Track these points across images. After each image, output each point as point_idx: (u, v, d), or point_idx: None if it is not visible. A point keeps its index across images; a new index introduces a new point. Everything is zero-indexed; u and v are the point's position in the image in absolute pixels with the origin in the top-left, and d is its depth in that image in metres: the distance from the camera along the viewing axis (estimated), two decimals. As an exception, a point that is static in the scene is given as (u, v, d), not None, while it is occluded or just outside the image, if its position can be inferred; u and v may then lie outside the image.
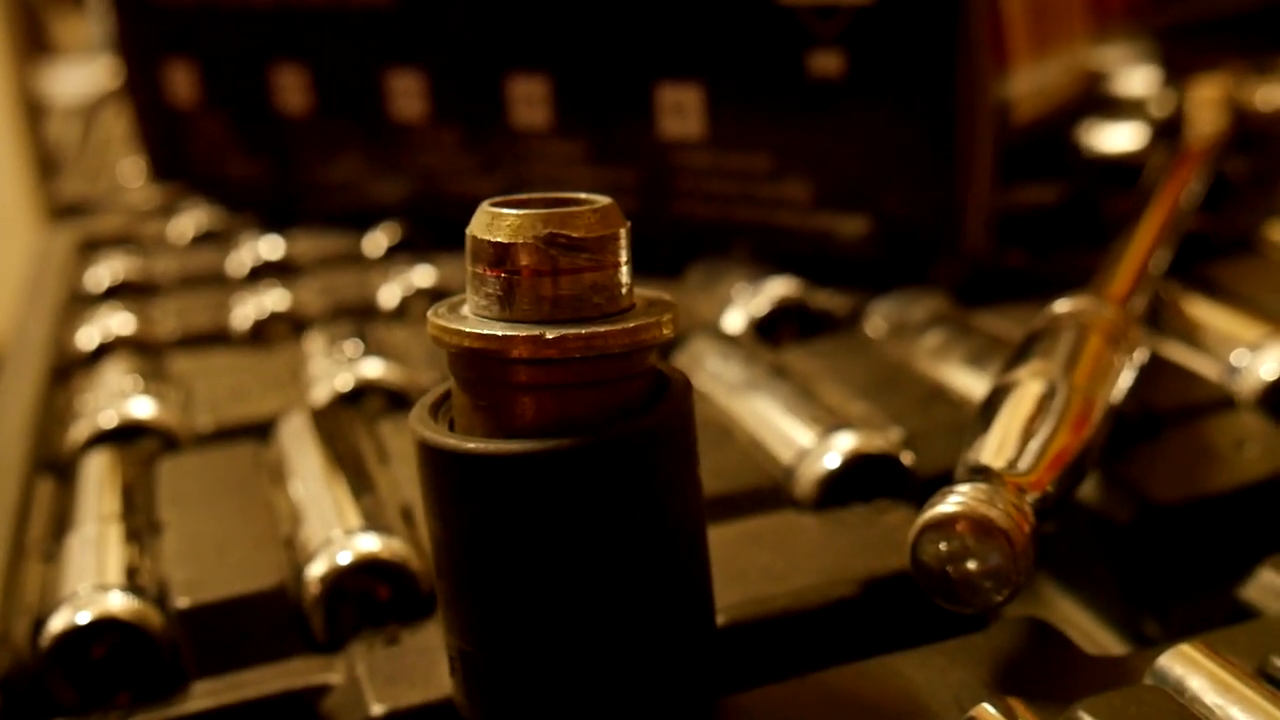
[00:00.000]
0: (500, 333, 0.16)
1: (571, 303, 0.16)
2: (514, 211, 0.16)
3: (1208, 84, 0.40)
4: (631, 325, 0.16)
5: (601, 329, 0.16)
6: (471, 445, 0.17)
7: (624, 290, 0.17)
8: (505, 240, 0.16)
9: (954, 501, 0.18)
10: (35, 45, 1.73)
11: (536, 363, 0.16)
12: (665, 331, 0.17)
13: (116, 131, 0.61)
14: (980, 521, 0.17)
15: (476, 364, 0.17)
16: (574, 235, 0.16)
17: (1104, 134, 0.40)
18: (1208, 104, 0.39)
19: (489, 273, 0.17)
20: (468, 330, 0.16)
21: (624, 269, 0.17)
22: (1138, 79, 0.41)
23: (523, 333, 0.16)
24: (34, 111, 1.67)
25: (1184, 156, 0.35)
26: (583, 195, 0.17)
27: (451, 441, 0.17)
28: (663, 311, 0.17)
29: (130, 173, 0.52)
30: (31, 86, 1.68)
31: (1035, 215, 0.36)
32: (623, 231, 0.17)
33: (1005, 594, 0.17)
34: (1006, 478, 0.19)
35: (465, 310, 0.17)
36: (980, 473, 0.19)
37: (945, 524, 0.18)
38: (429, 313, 0.17)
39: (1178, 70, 0.43)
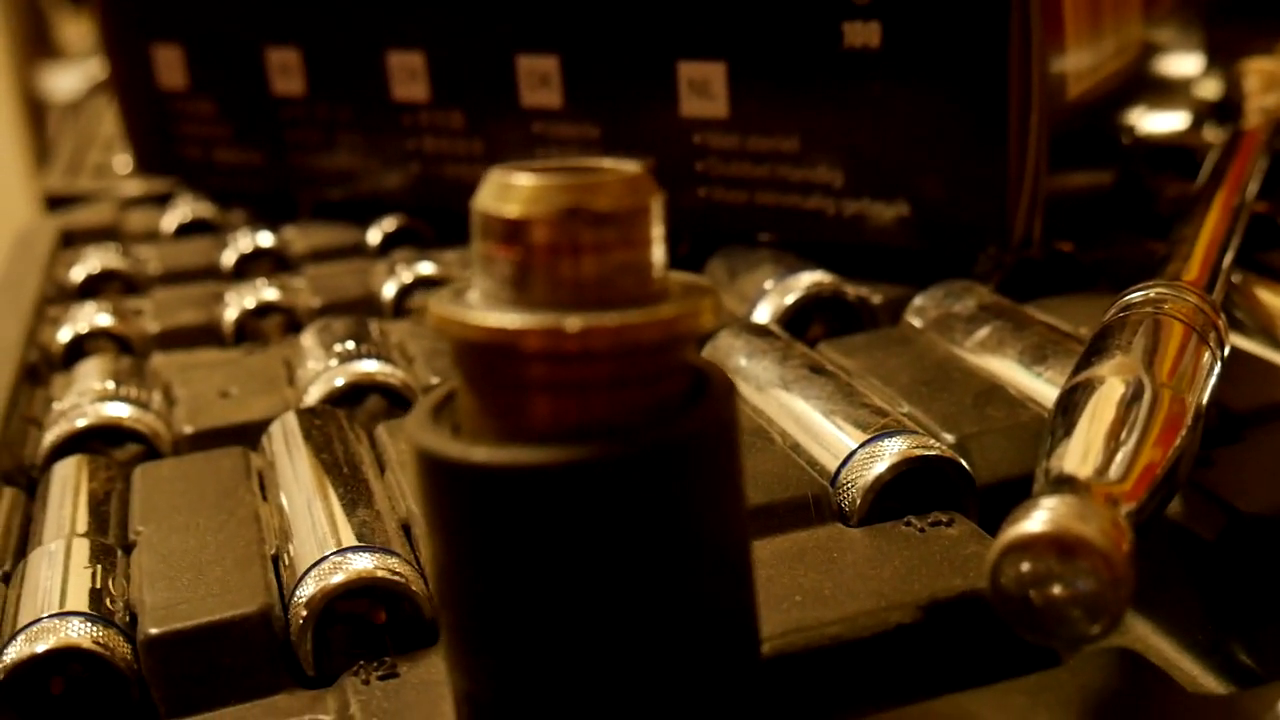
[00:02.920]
0: (512, 323, 0.14)
1: (596, 287, 0.14)
2: (530, 180, 0.14)
3: (1262, 63, 0.37)
4: (667, 314, 0.14)
5: (633, 318, 0.14)
6: (479, 455, 0.14)
7: (656, 272, 0.14)
8: (519, 214, 0.14)
9: (1041, 518, 0.15)
10: (41, 47, 1.72)
11: (555, 357, 0.14)
12: (705, 320, 0.14)
13: (106, 124, 0.58)
14: (1073, 540, 0.15)
15: (485, 359, 0.14)
16: (600, 208, 0.14)
17: (1155, 116, 0.37)
18: (1263, 82, 0.36)
19: (500, 251, 0.14)
20: (474, 320, 0.14)
21: (656, 247, 0.14)
22: (1188, 60, 0.39)
23: (539, 322, 0.14)
24: (37, 112, 1.66)
25: (1243, 137, 0.33)
26: (607, 163, 0.15)
27: (455, 451, 0.14)
28: (701, 297, 0.14)
29: (119, 165, 0.49)
30: (35, 87, 1.68)
31: (1084, 201, 0.33)
32: (655, 204, 0.14)
33: (1101, 626, 0.15)
34: (1095, 488, 0.16)
35: (472, 296, 0.14)
36: (1066, 483, 0.16)
37: (1031, 544, 0.15)
38: (430, 299, 0.15)
39: (1227, 50, 0.40)
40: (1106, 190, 0.34)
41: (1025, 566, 0.15)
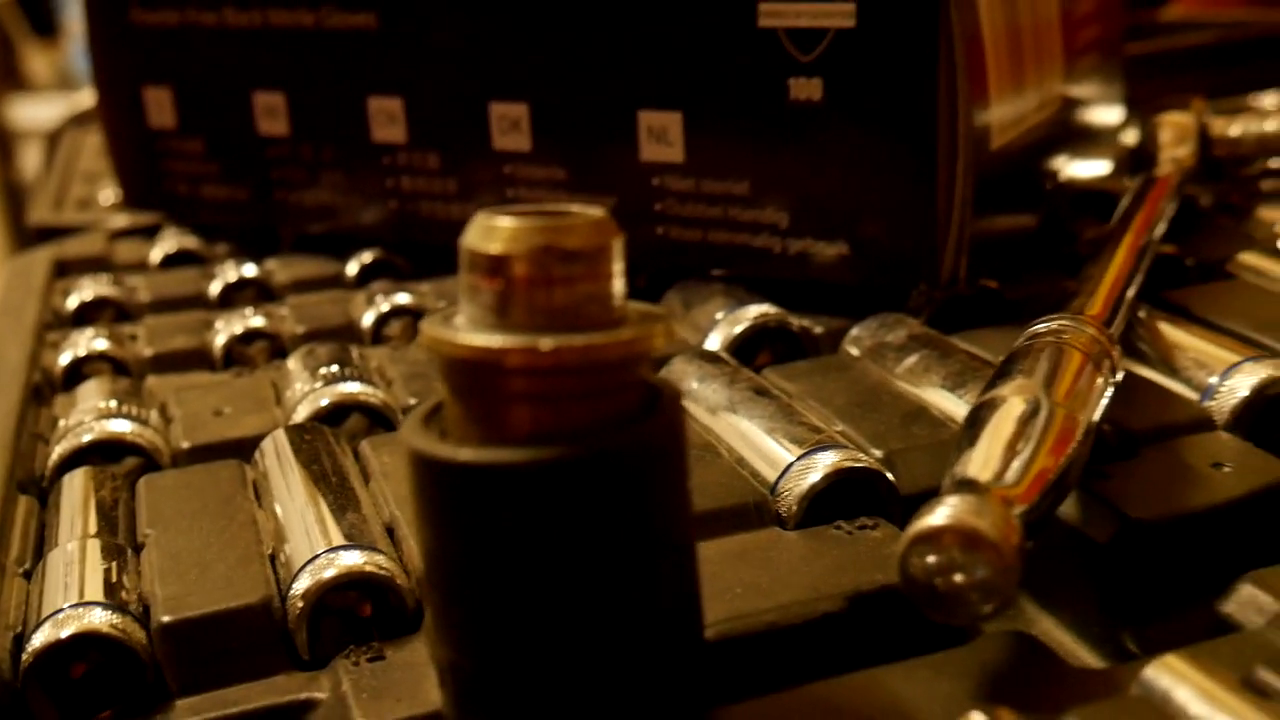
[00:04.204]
0: (495, 343, 0.16)
1: (566, 312, 0.16)
2: (510, 222, 0.17)
3: (1175, 114, 0.40)
4: (627, 335, 0.17)
5: (597, 339, 0.16)
6: (465, 455, 0.17)
7: (617, 301, 0.17)
8: (501, 251, 0.16)
9: (943, 514, 0.18)
10: (9, 79, 1.74)
11: (531, 372, 0.16)
12: (659, 341, 0.17)
13: (88, 158, 0.61)
14: (969, 533, 0.17)
15: (471, 374, 0.17)
16: (570, 246, 0.17)
17: (1075, 163, 0.40)
18: (1175, 134, 0.39)
19: (484, 283, 0.17)
20: (462, 340, 0.16)
21: (618, 280, 0.17)
22: (1110, 111, 0.42)
23: (518, 343, 0.16)
24: (4, 142, 1.67)
25: (1154, 185, 0.36)
26: (575, 207, 0.17)
27: (444, 452, 0.17)
28: (656, 322, 0.17)
29: (104, 198, 0.52)
30: (2, 118, 1.69)
31: (1009, 242, 0.36)
32: (617, 243, 0.17)
33: (993, 606, 0.18)
34: (993, 490, 0.19)
35: (459, 320, 0.17)
36: (967, 485, 0.19)
37: (934, 536, 0.18)
38: (422, 322, 0.17)
39: (1145, 102, 0.43)
40: (1031, 232, 0.37)
41: (930, 557, 0.18)
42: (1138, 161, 0.40)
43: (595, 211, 0.17)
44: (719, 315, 0.33)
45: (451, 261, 0.17)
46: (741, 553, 0.23)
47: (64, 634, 0.21)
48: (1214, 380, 0.27)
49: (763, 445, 0.25)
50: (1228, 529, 0.23)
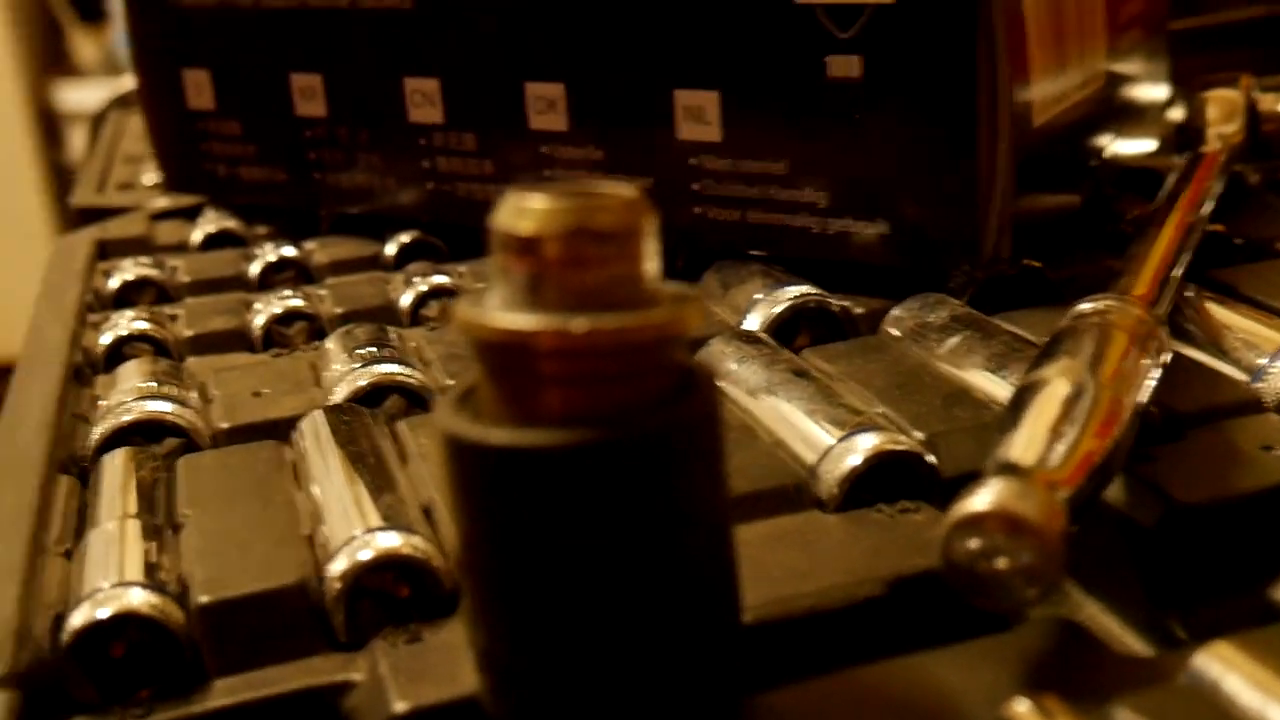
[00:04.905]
0: (527, 324, 0.16)
1: (598, 293, 0.16)
2: (542, 202, 0.16)
3: (1223, 91, 0.40)
4: (660, 317, 0.16)
5: (630, 320, 0.16)
6: (498, 437, 0.16)
7: (650, 281, 0.17)
8: (533, 232, 0.16)
9: (986, 498, 0.17)
10: (56, 63, 1.76)
11: (564, 354, 0.16)
12: (692, 323, 0.17)
13: (131, 141, 0.61)
14: (1013, 518, 0.17)
15: (503, 355, 0.17)
16: (602, 226, 0.16)
17: (1120, 141, 0.39)
18: (1223, 111, 0.39)
19: (515, 264, 0.16)
20: (494, 322, 0.16)
21: (651, 260, 0.17)
22: (1156, 88, 0.41)
23: (550, 324, 0.16)
24: (52, 126, 1.69)
25: (1201, 162, 0.35)
26: (607, 186, 0.17)
27: (477, 434, 0.17)
28: (689, 303, 0.17)
29: (147, 180, 0.52)
30: (51, 102, 1.71)
31: (1052, 222, 0.36)
32: (649, 223, 0.17)
33: (1037, 592, 0.17)
34: (1038, 474, 0.18)
35: (491, 301, 0.17)
36: (1010, 469, 0.19)
37: (977, 521, 0.17)
38: (455, 303, 0.17)
39: (1191, 78, 0.43)
40: (1075, 210, 0.37)
41: (972, 542, 0.17)
42: (1184, 139, 0.39)
43: (628, 191, 0.17)
44: (757, 296, 0.32)
45: (488, 243, 0.17)
46: (780, 536, 0.22)
47: (103, 614, 0.21)
48: (1264, 361, 0.26)
49: (802, 427, 0.25)
50: (1278, 513, 0.22)
